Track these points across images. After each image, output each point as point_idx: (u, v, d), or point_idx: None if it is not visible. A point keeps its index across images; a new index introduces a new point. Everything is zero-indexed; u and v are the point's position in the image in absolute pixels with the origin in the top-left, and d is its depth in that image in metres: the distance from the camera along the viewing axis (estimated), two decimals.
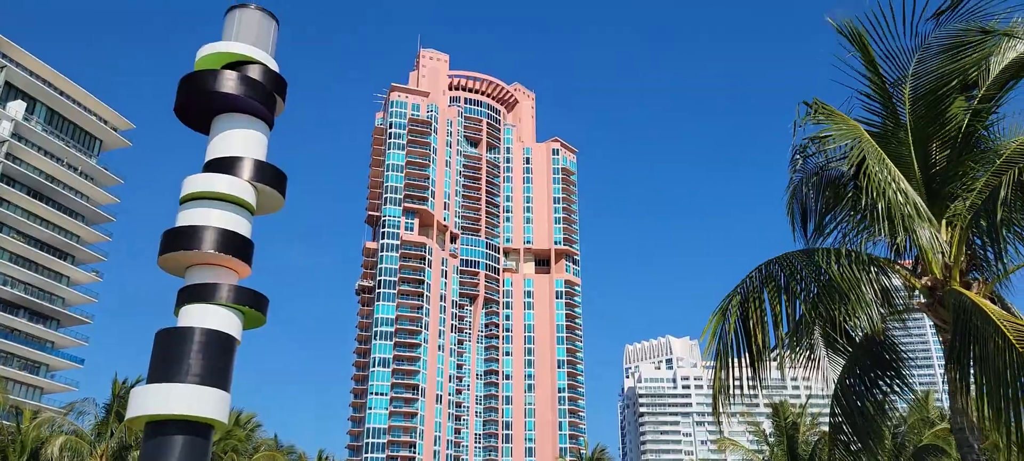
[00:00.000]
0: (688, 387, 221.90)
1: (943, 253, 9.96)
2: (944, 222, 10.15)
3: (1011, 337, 7.77)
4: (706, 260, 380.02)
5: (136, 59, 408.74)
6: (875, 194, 9.81)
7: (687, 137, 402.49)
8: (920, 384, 42.88)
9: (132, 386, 39.22)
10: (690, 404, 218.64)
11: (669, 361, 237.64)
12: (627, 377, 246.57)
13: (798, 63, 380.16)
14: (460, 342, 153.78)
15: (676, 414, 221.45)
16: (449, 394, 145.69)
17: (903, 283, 10.65)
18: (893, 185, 9.67)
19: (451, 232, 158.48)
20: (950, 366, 9.10)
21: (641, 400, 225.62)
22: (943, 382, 9.72)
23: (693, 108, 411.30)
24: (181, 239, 31.21)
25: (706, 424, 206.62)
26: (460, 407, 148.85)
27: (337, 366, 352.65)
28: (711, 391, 10.49)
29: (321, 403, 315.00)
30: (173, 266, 31.98)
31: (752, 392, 10.29)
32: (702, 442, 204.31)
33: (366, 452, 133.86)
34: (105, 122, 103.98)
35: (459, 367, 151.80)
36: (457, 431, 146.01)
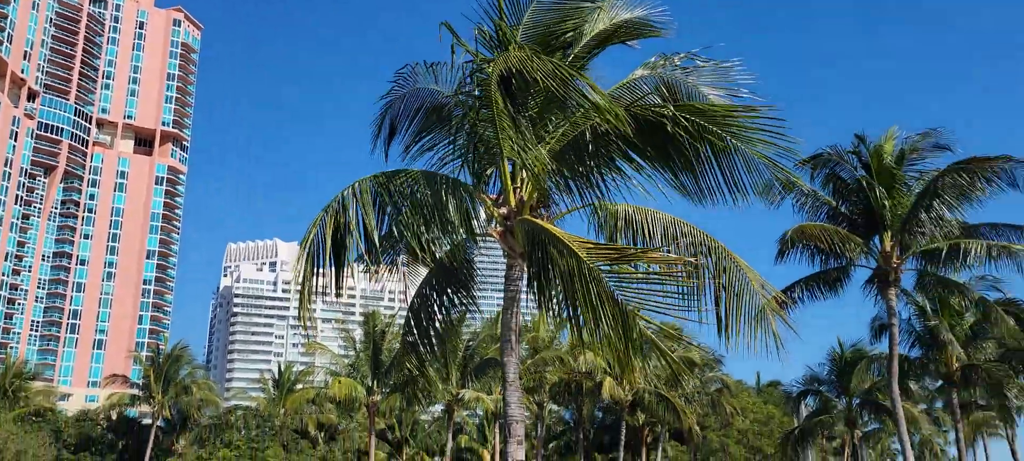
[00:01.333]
0: (288, 292, 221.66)
1: (520, 187, 11.16)
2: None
3: (578, 252, 9.10)
4: (331, 165, 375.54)
5: None
6: (483, 124, 10.58)
7: (332, 28, 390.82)
8: (497, 304, 48.59)
9: None
10: (288, 308, 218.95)
11: (273, 264, 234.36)
12: (225, 276, 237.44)
13: None
14: (25, 217, 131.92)
15: (272, 317, 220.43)
16: (3, 274, 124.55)
17: (485, 212, 11.71)
18: (503, 118, 10.40)
19: (30, 88, 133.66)
20: (529, 279, 10.33)
21: (236, 300, 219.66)
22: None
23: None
24: None
25: (302, 329, 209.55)
26: (16, 290, 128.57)
27: None
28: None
29: None
30: None
31: (350, 301, 10.64)
32: (294, 345, 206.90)
33: None
34: None
35: (21, 245, 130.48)
36: (8, 317, 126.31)
